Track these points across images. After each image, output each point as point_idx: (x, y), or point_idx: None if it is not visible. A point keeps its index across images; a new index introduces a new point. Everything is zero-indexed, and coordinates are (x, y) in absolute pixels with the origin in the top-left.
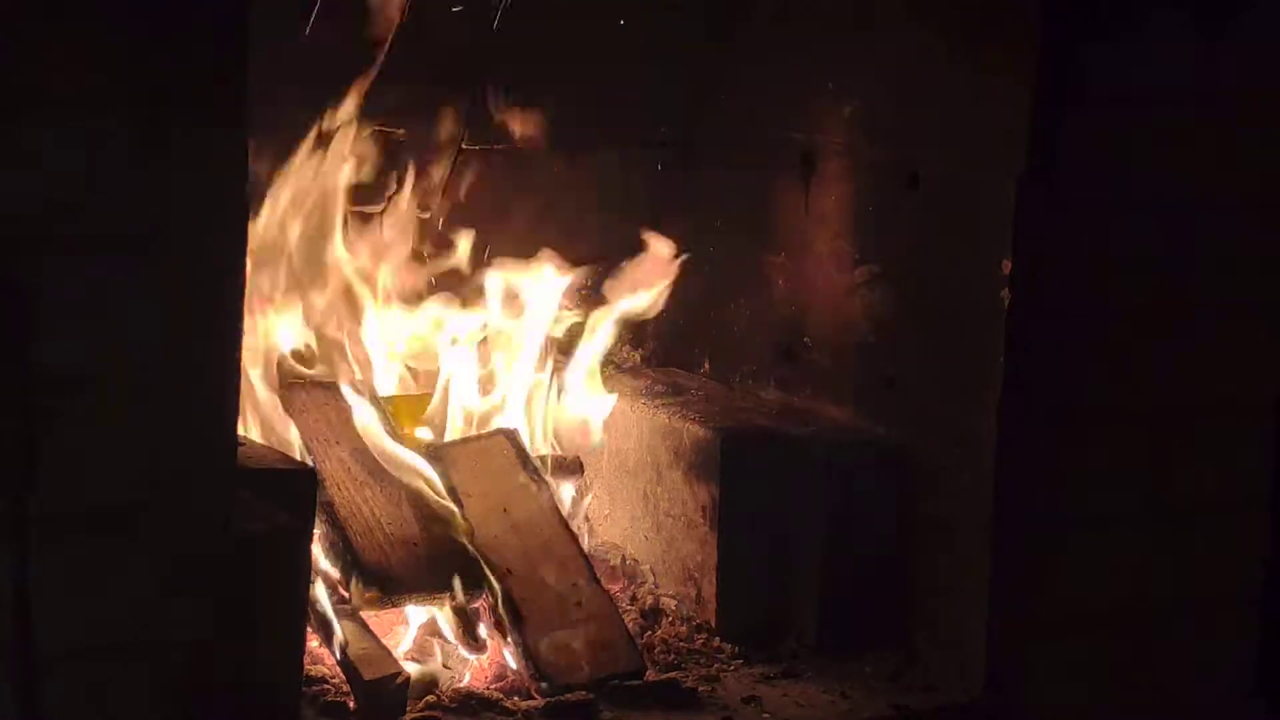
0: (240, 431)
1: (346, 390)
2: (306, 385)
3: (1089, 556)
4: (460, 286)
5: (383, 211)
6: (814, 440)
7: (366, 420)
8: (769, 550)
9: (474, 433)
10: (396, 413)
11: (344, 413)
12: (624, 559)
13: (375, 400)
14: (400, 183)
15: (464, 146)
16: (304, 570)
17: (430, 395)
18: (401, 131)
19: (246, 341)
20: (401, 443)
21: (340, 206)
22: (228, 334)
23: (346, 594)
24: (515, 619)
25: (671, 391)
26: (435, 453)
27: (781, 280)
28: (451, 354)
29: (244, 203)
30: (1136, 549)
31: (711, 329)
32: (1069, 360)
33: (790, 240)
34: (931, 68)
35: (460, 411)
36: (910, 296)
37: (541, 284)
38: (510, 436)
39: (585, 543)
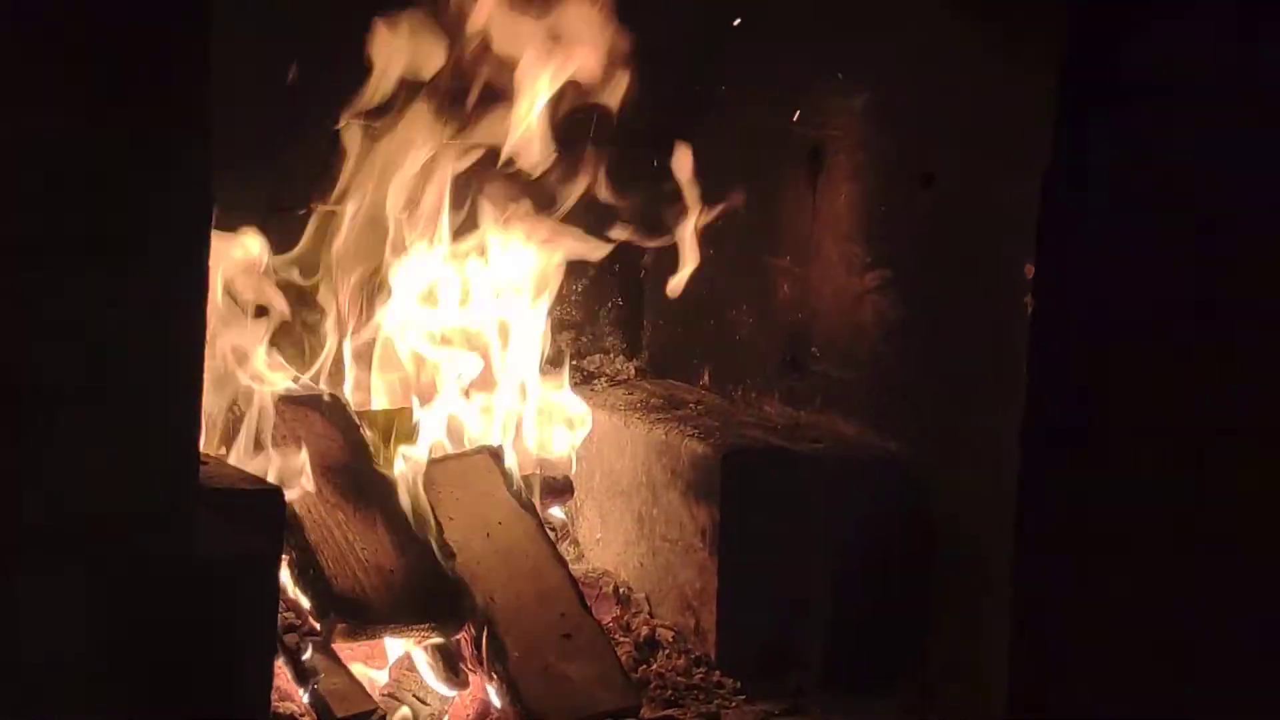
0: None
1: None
2: (274, 400)
3: (1116, 581)
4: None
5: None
6: (822, 457)
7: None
8: (774, 577)
9: (455, 450)
10: (374, 427)
11: (315, 429)
12: (617, 586)
13: (350, 415)
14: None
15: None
16: (271, 598)
17: (410, 409)
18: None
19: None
20: (378, 462)
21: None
22: (189, 342)
23: (317, 624)
24: (499, 652)
25: (668, 405)
26: (417, 471)
27: (787, 285)
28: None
29: (207, 210)
30: (1166, 572)
31: (712, 338)
32: (1096, 371)
33: (796, 242)
34: (951, 55)
35: (442, 427)
36: (925, 303)
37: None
38: (494, 455)
39: (575, 569)
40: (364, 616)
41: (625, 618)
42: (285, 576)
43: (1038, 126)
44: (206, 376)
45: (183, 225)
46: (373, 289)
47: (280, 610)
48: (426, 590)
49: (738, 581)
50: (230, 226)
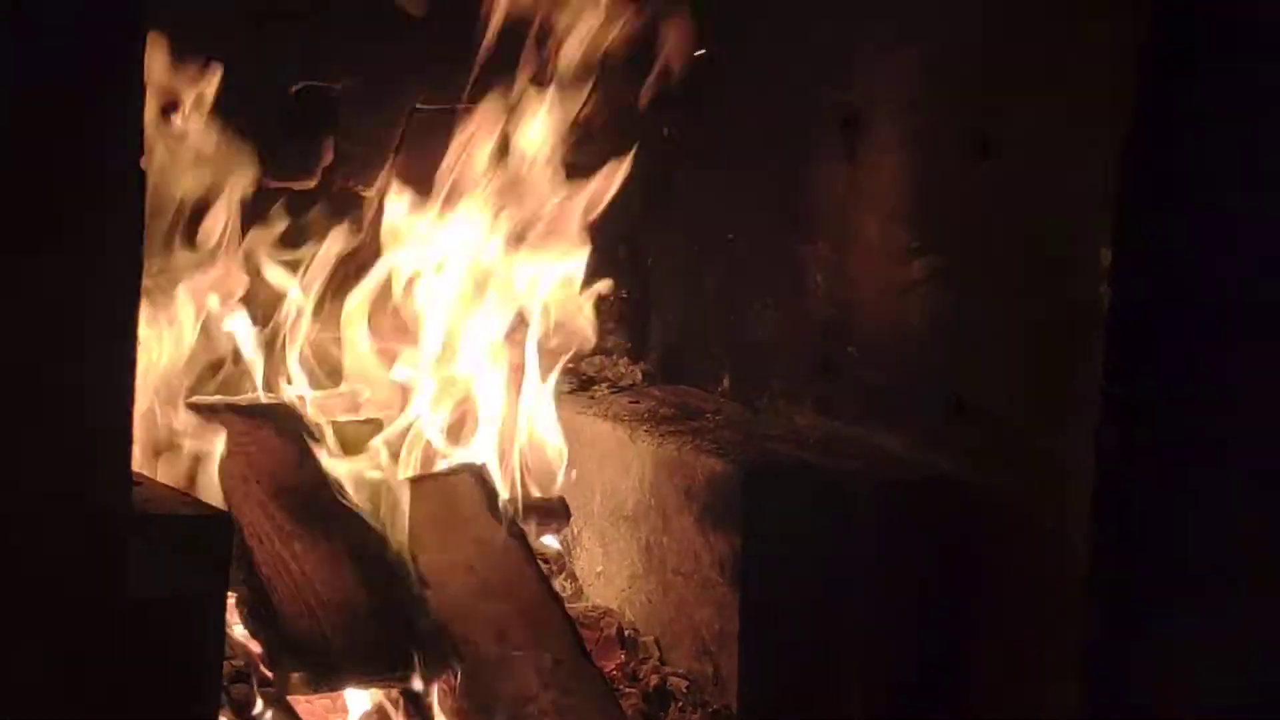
0: (137, 468)
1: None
2: (219, 411)
3: (1209, 627)
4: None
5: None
6: (861, 476)
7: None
8: (805, 616)
9: (433, 469)
10: (341, 442)
11: (267, 445)
12: (621, 628)
13: (306, 428)
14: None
15: (418, 106)
16: (216, 644)
17: (380, 421)
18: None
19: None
20: (340, 481)
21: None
22: (118, 342)
23: (270, 673)
24: (482, 706)
25: (681, 415)
26: (386, 493)
27: (820, 275)
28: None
29: (139, 190)
30: (1267, 619)
31: (732, 336)
32: (1183, 375)
33: (831, 224)
34: (1013, 3)
35: (418, 441)
36: (982, 295)
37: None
38: (477, 475)
39: (572, 607)
40: (324, 663)
41: (631, 664)
42: (233, 617)
43: (1119, 83)
44: (141, 377)
45: (110, 205)
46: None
47: (227, 657)
48: (398, 632)
49: (763, 622)
50: None
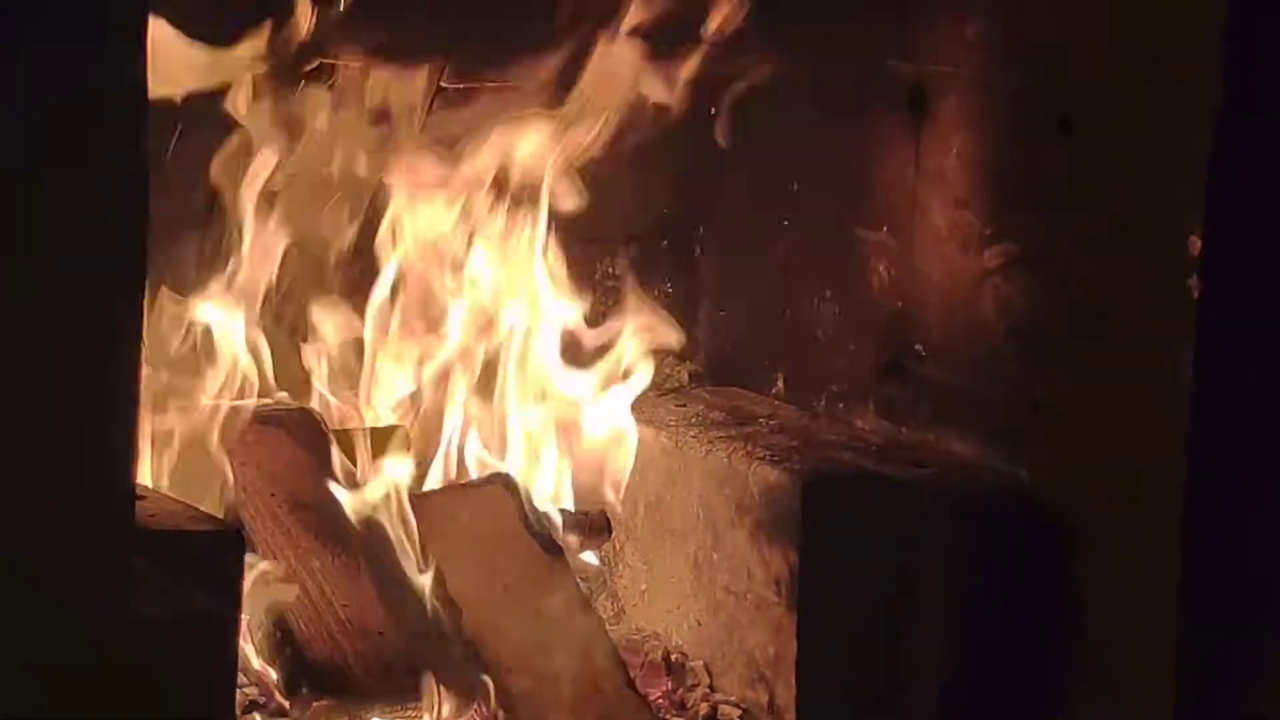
0: (142, 480)
1: None
2: (229, 416)
3: None
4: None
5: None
6: (931, 486)
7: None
8: (870, 639)
9: (463, 479)
10: (359, 451)
11: (282, 454)
12: (668, 652)
13: (326, 436)
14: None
15: (442, 85)
16: (228, 670)
17: (403, 427)
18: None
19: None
20: (362, 493)
21: None
22: (121, 343)
23: (287, 702)
24: None
25: (733, 421)
26: (411, 506)
27: (883, 265)
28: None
29: (143, 165)
30: None
31: (787, 334)
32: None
33: (895, 210)
34: None
35: (449, 450)
36: (1061, 287)
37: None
38: (509, 485)
39: (614, 630)
40: (346, 691)
41: (679, 692)
42: (246, 641)
43: (1207, 55)
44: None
45: (113, 185)
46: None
47: (240, 685)
48: (425, 658)
49: (823, 645)
50: None
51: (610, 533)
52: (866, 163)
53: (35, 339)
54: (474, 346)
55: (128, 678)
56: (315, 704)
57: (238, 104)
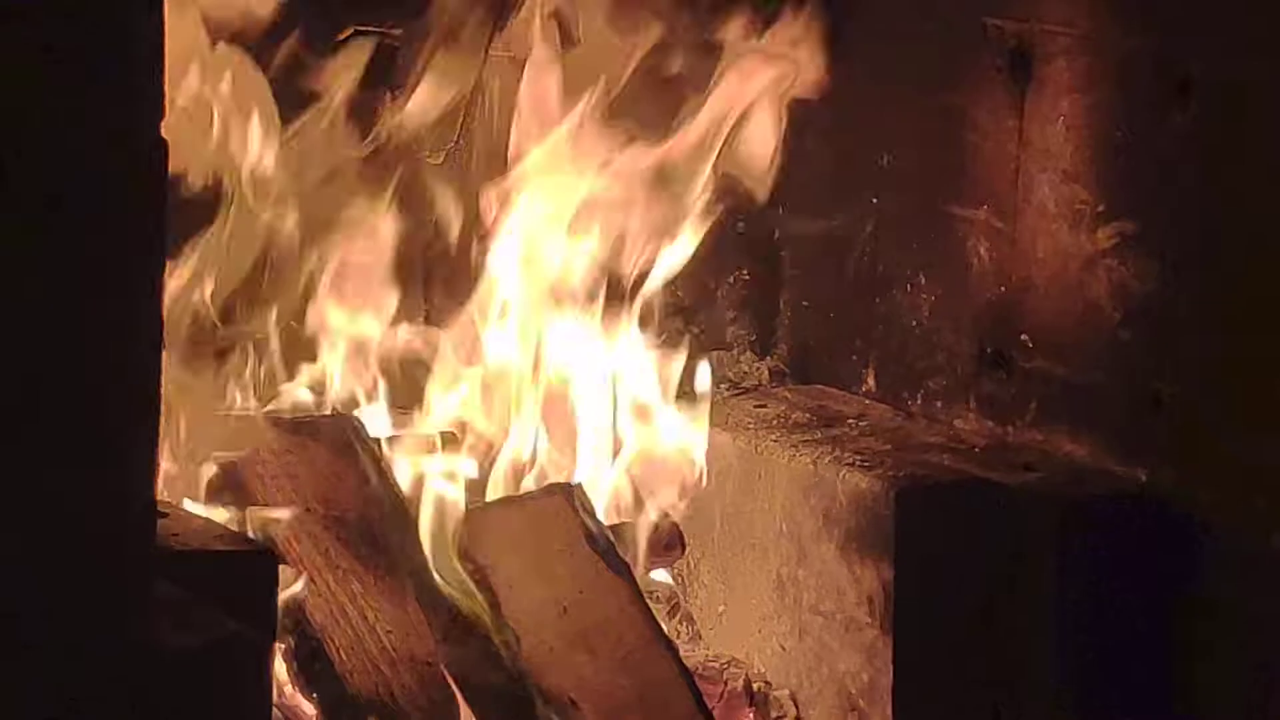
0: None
1: None
2: (258, 425)
3: None
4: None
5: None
6: (1041, 492)
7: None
8: (974, 662)
9: (518, 490)
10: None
11: (317, 465)
12: (749, 680)
13: (367, 445)
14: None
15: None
16: (260, 705)
17: (454, 433)
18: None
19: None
20: (407, 507)
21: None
22: (139, 345)
23: None
24: None
25: (818, 422)
26: (464, 521)
27: (984, 248)
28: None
29: (161, 157)
30: None
31: (877, 325)
32: None
33: (996, 185)
34: None
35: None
36: (1183, 268)
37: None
38: (570, 496)
39: (688, 656)
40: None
41: None
42: (281, 672)
43: None
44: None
45: (133, 176)
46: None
47: (272, 716)
48: (479, 689)
49: (922, 670)
50: None
51: (683, 548)
52: (964, 134)
53: (44, 335)
54: (529, 349)
55: (151, 710)
56: None
57: None
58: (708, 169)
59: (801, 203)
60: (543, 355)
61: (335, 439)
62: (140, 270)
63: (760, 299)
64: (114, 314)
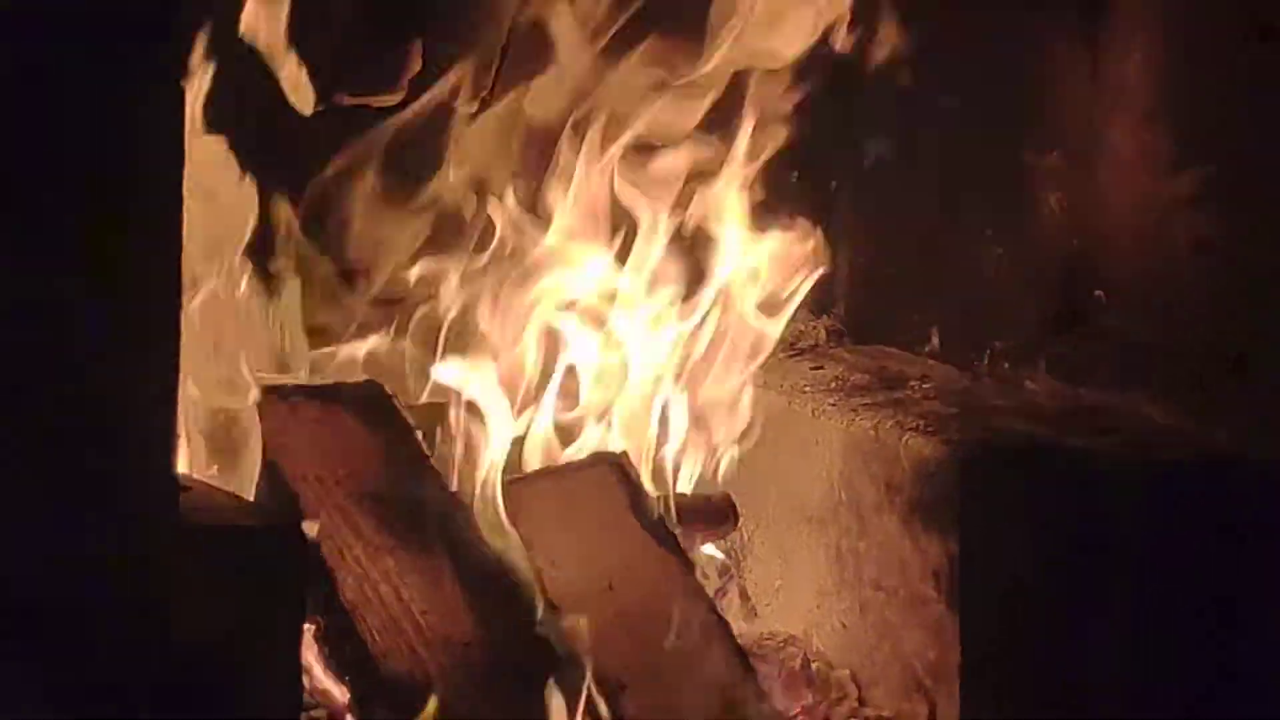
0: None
1: None
2: (288, 394)
3: None
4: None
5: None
6: (1117, 457)
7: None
8: (1048, 639)
9: (560, 460)
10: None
11: (347, 435)
12: (808, 659)
13: (398, 413)
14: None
15: None
16: (290, 688)
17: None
18: None
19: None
20: (439, 479)
21: None
22: (159, 313)
23: None
24: None
25: (879, 384)
26: (504, 492)
27: (1057, 197)
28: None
29: (178, 125)
30: None
31: (942, 280)
32: None
33: (1069, 129)
34: None
35: (541, 426)
36: (1267, 218)
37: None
38: (615, 466)
39: (742, 635)
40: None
41: (822, 706)
42: (310, 655)
43: None
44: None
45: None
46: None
47: (305, 706)
48: (520, 672)
49: (992, 648)
50: None
51: (736, 520)
52: (1034, 74)
53: (58, 301)
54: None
55: (174, 698)
56: None
57: None
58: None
59: (859, 152)
60: (583, 316)
61: (366, 408)
62: (158, 235)
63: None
64: (128, 278)
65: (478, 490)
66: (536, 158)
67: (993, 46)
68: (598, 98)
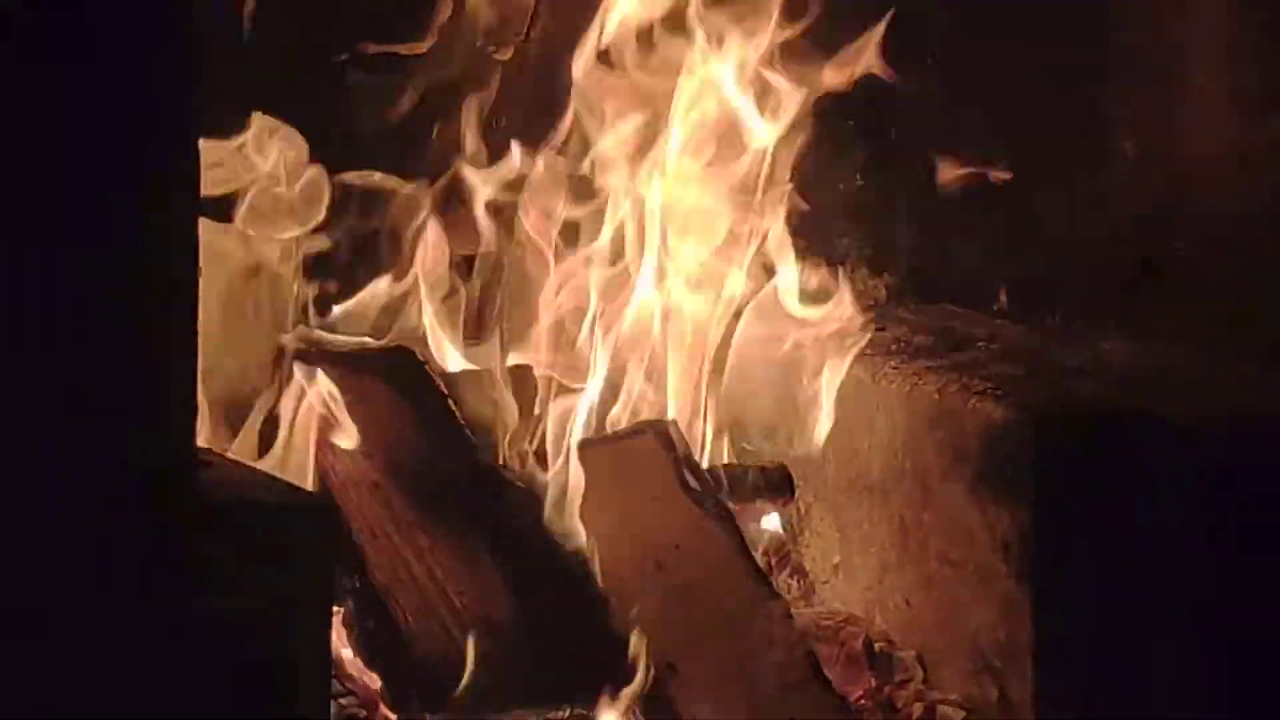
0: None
1: None
2: (313, 358)
3: None
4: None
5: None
6: (1203, 422)
7: None
8: (1127, 619)
9: (606, 430)
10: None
11: (379, 404)
12: (870, 639)
13: (433, 383)
14: None
15: None
16: (320, 676)
17: (531, 368)
18: None
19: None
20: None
21: None
22: (176, 268)
23: (393, 714)
24: None
25: (943, 345)
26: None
27: (1132, 142)
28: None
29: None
30: None
31: (1011, 234)
32: None
33: (1147, 68)
34: None
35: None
36: None
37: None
38: (663, 436)
39: (801, 613)
40: (465, 700)
41: (886, 689)
42: (340, 640)
43: None
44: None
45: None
46: None
47: (335, 694)
48: (565, 656)
49: (1067, 626)
50: None
51: (793, 492)
52: (1109, 7)
53: (68, 263)
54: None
55: (192, 685)
56: (427, 715)
57: None
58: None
59: (919, 93)
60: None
61: (395, 374)
62: (174, 191)
63: (875, 207)
64: (148, 240)
65: (519, 463)
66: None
67: None
68: None
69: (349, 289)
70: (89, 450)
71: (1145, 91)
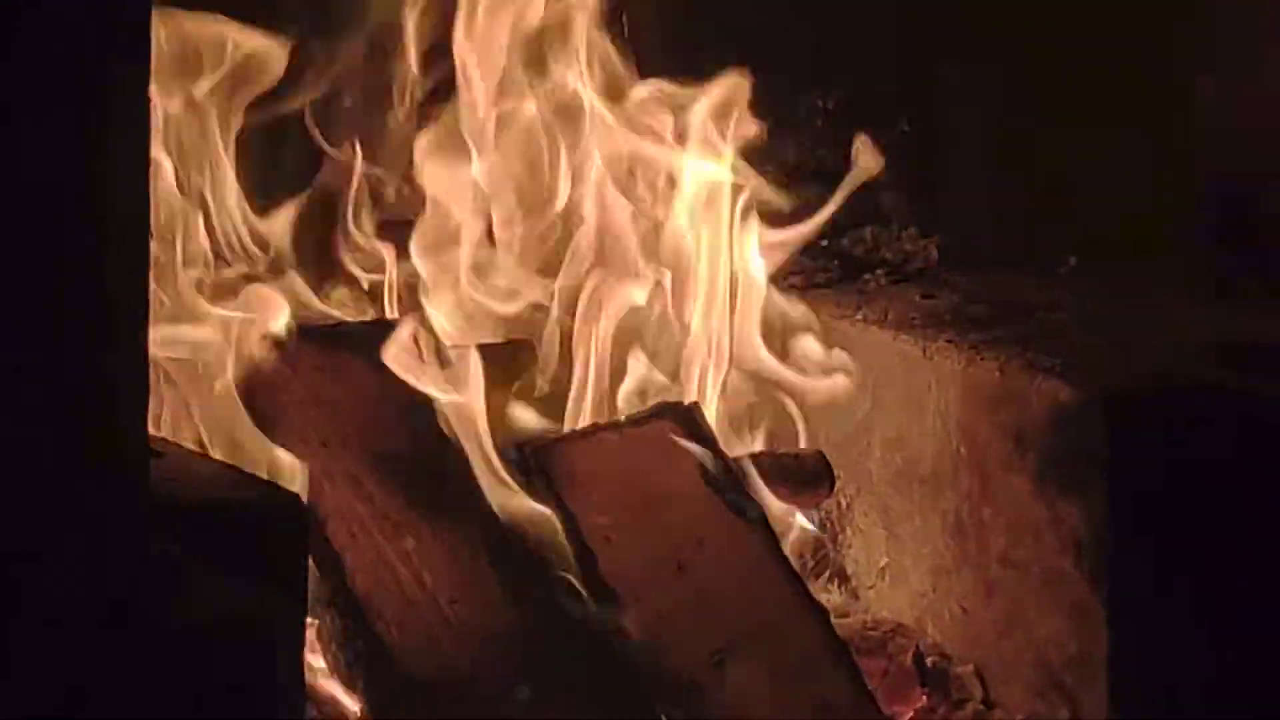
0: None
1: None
2: (290, 341)
3: None
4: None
5: None
6: None
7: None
8: (1213, 627)
9: (620, 413)
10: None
11: (357, 386)
12: (921, 652)
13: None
14: None
15: None
16: (289, 693)
17: (529, 341)
18: None
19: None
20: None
21: None
22: (126, 235)
23: None
24: None
25: (1002, 315)
26: (543, 451)
27: (1211, 88)
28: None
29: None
30: None
31: (1079, 191)
32: None
33: (1229, 13)
34: None
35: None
36: None
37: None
38: (683, 419)
39: (841, 623)
40: (455, 715)
41: (942, 709)
42: (315, 654)
43: None
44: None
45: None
46: None
47: (309, 717)
48: (570, 670)
49: (1147, 636)
50: None
51: (831, 484)
52: None
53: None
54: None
55: (146, 709)
56: None
57: None
58: None
59: (973, 40)
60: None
61: (376, 354)
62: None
63: (924, 164)
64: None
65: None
66: None
67: None
68: None
69: None
70: (18, 441)
71: (1228, 36)
